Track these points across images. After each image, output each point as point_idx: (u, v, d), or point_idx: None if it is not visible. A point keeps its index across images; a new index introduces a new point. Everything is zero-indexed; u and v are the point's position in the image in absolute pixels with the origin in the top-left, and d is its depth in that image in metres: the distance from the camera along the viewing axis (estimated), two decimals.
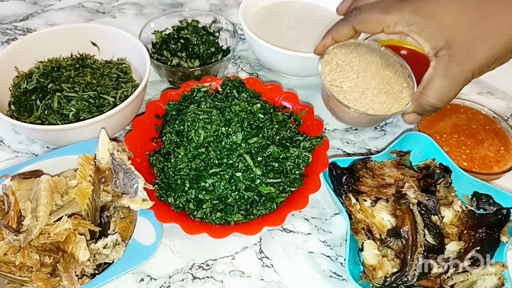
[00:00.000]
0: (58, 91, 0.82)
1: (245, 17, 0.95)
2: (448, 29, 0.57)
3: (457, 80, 0.59)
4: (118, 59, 0.91)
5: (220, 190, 0.68)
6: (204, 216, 0.67)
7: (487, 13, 0.56)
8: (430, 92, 0.61)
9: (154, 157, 0.74)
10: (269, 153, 0.71)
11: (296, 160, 0.73)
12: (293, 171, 0.72)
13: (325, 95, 0.72)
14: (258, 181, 0.69)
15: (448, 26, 0.57)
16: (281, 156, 0.71)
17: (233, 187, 0.68)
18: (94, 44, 0.92)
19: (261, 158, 0.70)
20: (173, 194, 0.69)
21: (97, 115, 0.73)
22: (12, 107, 0.82)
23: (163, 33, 0.98)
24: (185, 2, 1.21)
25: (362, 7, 0.65)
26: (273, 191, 0.69)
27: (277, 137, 0.74)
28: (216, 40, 0.99)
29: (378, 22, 0.62)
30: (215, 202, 0.68)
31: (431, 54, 0.61)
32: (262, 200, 0.69)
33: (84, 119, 0.75)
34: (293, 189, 0.71)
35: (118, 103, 0.80)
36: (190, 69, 0.89)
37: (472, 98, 0.89)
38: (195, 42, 0.96)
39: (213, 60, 0.94)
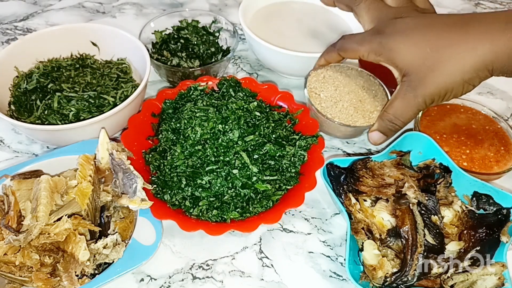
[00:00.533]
0: (58, 91, 0.82)
1: (245, 17, 0.94)
2: (405, 60, 0.67)
3: (411, 103, 0.68)
4: (118, 59, 0.91)
5: (217, 187, 0.68)
6: (200, 214, 0.67)
7: (437, 48, 0.65)
8: (390, 110, 0.71)
9: (150, 155, 0.74)
10: (265, 151, 0.71)
11: (292, 158, 0.73)
12: (289, 169, 0.72)
13: (307, 103, 0.81)
14: (254, 178, 0.69)
15: (405, 58, 0.67)
16: (277, 154, 0.72)
17: (230, 184, 0.69)
18: (94, 44, 0.92)
19: (257, 156, 0.71)
20: (169, 192, 0.69)
21: (97, 115, 0.73)
22: (12, 107, 0.82)
23: (163, 33, 0.98)
24: (185, 2, 1.21)
25: (346, 37, 0.76)
26: (269, 188, 0.69)
27: (273, 136, 0.74)
28: (216, 40, 0.99)
29: (355, 51, 0.73)
30: (211, 199, 0.68)
31: (399, 80, 0.71)
32: (258, 198, 0.69)
33: (84, 119, 0.75)
34: (289, 187, 0.71)
35: (118, 103, 0.80)
36: (190, 69, 0.89)
37: (472, 98, 0.89)
38: (195, 42, 0.96)
39: (213, 60, 0.94)
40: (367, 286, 0.63)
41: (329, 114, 0.77)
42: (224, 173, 0.69)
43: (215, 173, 0.69)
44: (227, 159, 0.70)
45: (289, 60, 0.89)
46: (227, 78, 0.83)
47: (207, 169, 0.69)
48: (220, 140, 0.71)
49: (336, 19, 1.01)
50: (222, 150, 0.70)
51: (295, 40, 0.95)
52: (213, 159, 0.70)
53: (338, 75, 0.83)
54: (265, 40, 0.87)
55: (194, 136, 0.71)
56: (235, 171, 0.69)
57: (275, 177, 0.70)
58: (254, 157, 0.71)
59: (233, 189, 0.69)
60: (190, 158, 0.70)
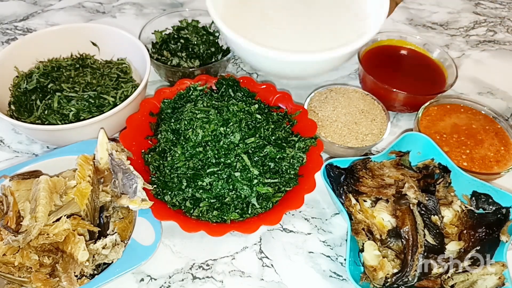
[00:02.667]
0: (58, 91, 0.82)
1: (216, 4, 0.70)
2: None
3: None
4: (118, 59, 0.91)
5: (218, 189, 0.68)
6: (201, 214, 0.67)
7: None
8: None
9: (150, 155, 0.74)
10: (266, 153, 0.71)
11: (291, 160, 0.73)
12: (288, 171, 0.72)
13: None
14: (255, 181, 0.68)
15: None
16: (277, 157, 0.71)
17: (231, 187, 0.68)
18: (94, 44, 0.92)
19: (257, 158, 0.70)
20: (170, 192, 0.69)
21: (97, 115, 0.73)
22: (12, 107, 0.82)
23: (163, 33, 0.97)
24: (185, 2, 1.21)
25: None
26: (270, 191, 0.69)
27: (273, 137, 0.74)
28: (216, 40, 0.98)
29: None
30: (212, 201, 0.68)
31: None
32: (259, 200, 0.69)
33: (84, 119, 0.75)
34: (288, 189, 0.71)
35: (118, 103, 0.80)
36: (190, 69, 0.89)
37: (472, 98, 0.89)
38: (195, 42, 0.96)
39: (213, 60, 0.93)
40: (367, 287, 0.63)
41: (323, 132, 0.79)
42: (225, 175, 0.69)
43: (216, 175, 0.69)
44: (228, 161, 0.69)
45: (281, 65, 0.77)
46: (225, 77, 0.83)
47: (208, 171, 0.69)
48: (221, 143, 0.70)
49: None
50: (223, 153, 0.70)
51: (287, 26, 0.72)
52: (213, 161, 0.70)
53: (339, 97, 0.85)
54: (248, 32, 0.67)
55: (195, 138, 0.71)
56: (236, 174, 0.69)
57: (276, 180, 0.70)
58: (255, 159, 0.70)
59: (234, 191, 0.69)
60: (191, 160, 0.70)
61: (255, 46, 0.63)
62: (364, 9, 0.73)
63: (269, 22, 0.70)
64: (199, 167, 0.70)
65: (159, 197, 0.69)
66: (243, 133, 0.71)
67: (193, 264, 0.69)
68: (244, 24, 0.66)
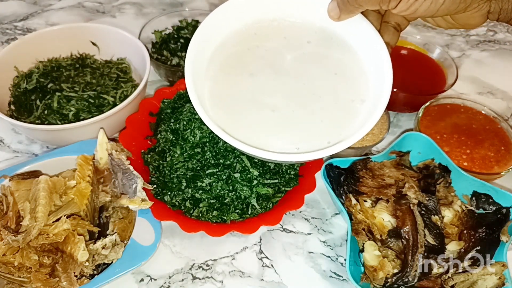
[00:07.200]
0: (58, 91, 0.82)
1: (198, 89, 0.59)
2: None
3: None
4: (118, 59, 0.91)
5: (218, 190, 0.68)
6: (200, 215, 0.67)
7: None
8: None
9: (149, 155, 0.74)
10: None
11: None
12: (288, 172, 0.72)
13: None
14: (255, 181, 0.68)
15: None
16: None
17: (230, 187, 0.68)
18: (94, 44, 0.92)
19: (257, 160, 0.70)
20: (169, 193, 0.69)
21: (97, 115, 0.73)
22: (12, 107, 0.82)
23: (163, 33, 0.97)
24: (185, 2, 1.21)
25: None
26: (270, 192, 0.69)
27: None
28: None
29: None
30: (211, 201, 0.68)
31: None
32: (259, 200, 0.69)
33: (84, 119, 0.75)
34: (288, 189, 0.71)
35: (117, 103, 0.80)
36: None
37: (472, 98, 0.89)
38: None
39: None
40: (368, 287, 0.63)
41: None
42: (224, 176, 0.69)
43: (215, 176, 0.69)
44: (228, 162, 0.69)
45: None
46: None
47: (207, 172, 0.69)
48: (220, 144, 0.70)
49: (346, 55, 0.65)
50: (222, 154, 0.70)
51: (283, 112, 0.59)
52: (212, 162, 0.70)
53: None
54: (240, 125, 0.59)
55: (193, 139, 0.71)
56: (236, 175, 0.68)
57: (276, 180, 0.70)
58: (254, 160, 0.70)
59: (233, 192, 0.68)
60: (189, 161, 0.70)
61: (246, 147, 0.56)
62: (364, 91, 0.66)
63: (262, 107, 0.60)
64: (198, 168, 0.70)
65: (158, 197, 0.69)
66: None
67: (193, 264, 0.68)
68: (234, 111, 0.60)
